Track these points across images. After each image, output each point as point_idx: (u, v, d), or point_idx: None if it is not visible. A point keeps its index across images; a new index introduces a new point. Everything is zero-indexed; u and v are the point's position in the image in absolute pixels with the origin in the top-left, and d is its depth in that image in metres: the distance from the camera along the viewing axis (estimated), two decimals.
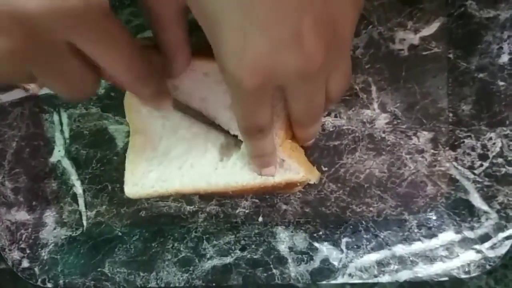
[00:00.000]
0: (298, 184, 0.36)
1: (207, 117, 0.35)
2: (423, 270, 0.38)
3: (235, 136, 0.35)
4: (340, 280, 0.38)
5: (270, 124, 0.29)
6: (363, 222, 0.39)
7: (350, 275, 0.38)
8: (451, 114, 0.37)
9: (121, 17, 0.37)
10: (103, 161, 0.40)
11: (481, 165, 0.37)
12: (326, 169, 0.39)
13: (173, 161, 0.36)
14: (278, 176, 0.36)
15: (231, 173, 0.36)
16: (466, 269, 0.37)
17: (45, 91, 0.39)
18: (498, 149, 0.36)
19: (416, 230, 0.39)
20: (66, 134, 0.40)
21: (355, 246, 0.39)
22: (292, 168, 0.35)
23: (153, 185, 0.36)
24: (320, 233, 0.39)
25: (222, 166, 0.36)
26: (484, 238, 0.37)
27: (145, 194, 0.36)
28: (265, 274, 0.39)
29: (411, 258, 0.38)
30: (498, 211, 0.37)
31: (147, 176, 0.36)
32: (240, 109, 0.28)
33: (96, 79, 0.27)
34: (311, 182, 0.37)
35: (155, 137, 0.36)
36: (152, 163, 0.36)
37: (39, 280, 0.40)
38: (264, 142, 0.31)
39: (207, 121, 0.35)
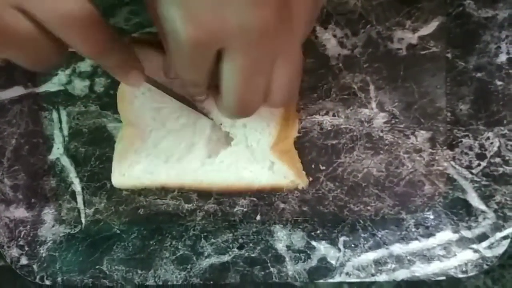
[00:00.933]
0: (284, 189, 0.36)
1: (178, 94, 0.35)
2: (421, 270, 0.38)
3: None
4: (337, 279, 0.38)
5: (204, 84, 0.28)
6: (361, 221, 0.39)
7: (347, 274, 0.38)
8: (449, 114, 0.37)
9: (120, 15, 0.37)
10: (102, 158, 0.40)
11: (479, 165, 0.37)
12: (324, 168, 0.39)
13: (161, 154, 0.36)
14: (265, 179, 0.36)
15: (217, 171, 0.36)
16: (464, 269, 0.37)
17: (44, 88, 0.39)
18: (495, 148, 0.36)
19: (413, 229, 0.39)
20: (65, 132, 0.40)
21: (352, 245, 0.39)
22: (281, 172, 0.36)
23: (140, 176, 0.36)
24: (318, 231, 0.39)
25: (209, 163, 0.36)
26: (482, 237, 0.37)
27: (131, 185, 0.37)
28: (262, 273, 0.39)
29: (408, 257, 0.38)
30: (495, 211, 0.37)
31: (134, 168, 0.36)
32: (177, 63, 0.26)
33: (57, 48, 0.25)
34: (299, 187, 0.37)
35: (145, 129, 0.36)
36: (140, 155, 0.36)
37: (38, 277, 0.40)
38: (194, 91, 0.31)
39: (179, 98, 0.35)
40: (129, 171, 0.37)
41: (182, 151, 0.36)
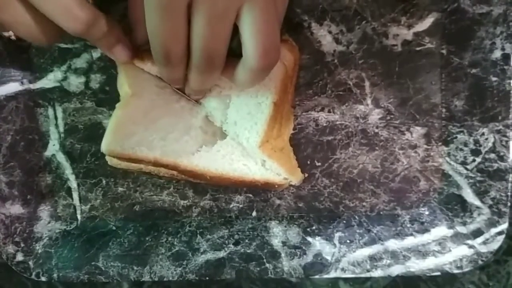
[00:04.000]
0: (276, 186, 0.36)
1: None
2: (416, 265, 0.38)
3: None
4: (332, 274, 0.38)
5: (180, 52, 0.29)
6: (356, 217, 0.39)
7: (342, 269, 0.38)
8: (444, 110, 0.37)
9: (116, 12, 0.37)
10: (98, 155, 0.40)
11: (474, 161, 0.37)
12: (319, 164, 0.39)
13: (159, 131, 0.36)
14: (258, 174, 0.36)
15: (213, 159, 0.36)
16: (459, 264, 0.38)
17: (39, 85, 0.39)
18: (490, 144, 0.37)
19: (408, 225, 0.39)
20: (61, 128, 0.40)
21: (348, 241, 0.39)
22: (273, 169, 0.36)
23: (134, 147, 0.35)
24: (313, 227, 0.39)
25: (206, 149, 0.36)
26: (477, 233, 0.38)
27: (122, 154, 0.35)
28: (258, 268, 0.39)
29: (403, 253, 0.38)
30: (490, 207, 0.37)
31: (130, 138, 0.35)
32: (151, 22, 0.27)
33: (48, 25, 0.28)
34: (293, 184, 0.37)
35: (149, 103, 0.36)
36: (139, 127, 0.35)
37: (33, 273, 0.40)
38: (173, 71, 0.31)
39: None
40: (124, 140, 0.35)
41: (180, 131, 0.36)
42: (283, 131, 0.37)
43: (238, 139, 0.36)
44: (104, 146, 0.35)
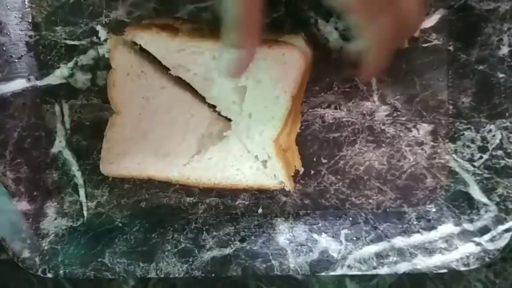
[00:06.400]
0: (270, 189, 0.36)
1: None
2: (422, 262, 0.38)
3: (222, 117, 0.36)
4: (339, 271, 0.38)
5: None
6: (363, 214, 0.39)
7: (349, 266, 0.38)
8: (451, 107, 0.37)
9: (122, 8, 0.37)
10: None
11: (481, 157, 0.37)
12: (325, 161, 0.39)
13: (150, 146, 0.36)
14: (252, 180, 0.36)
15: (204, 168, 0.36)
16: (465, 262, 0.37)
17: (46, 81, 0.39)
18: (497, 141, 0.36)
19: (415, 222, 0.39)
20: (67, 125, 0.40)
21: (354, 238, 0.39)
22: (272, 170, 0.35)
23: (127, 166, 0.36)
24: (320, 225, 0.39)
25: (197, 159, 0.36)
26: (484, 230, 0.37)
27: (118, 174, 0.37)
28: (264, 265, 0.39)
29: (410, 250, 0.38)
30: (497, 204, 0.37)
31: (123, 157, 0.36)
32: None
33: None
34: (287, 189, 0.36)
35: (134, 118, 0.36)
36: (129, 145, 0.36)
37: (40, 270, 0.40)
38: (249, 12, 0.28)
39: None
40: (118, 160, 0.36)
41: (171, 145, 0.36)
42: (291, 130, 0.37)
43: (248, 133, 0.35)
44: (102, 168, 0.37)
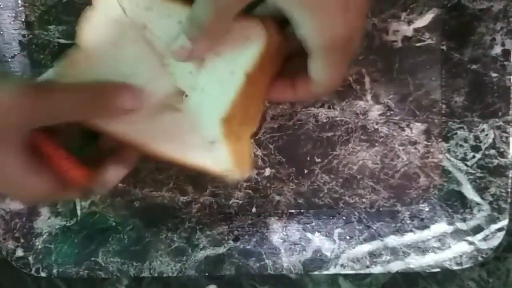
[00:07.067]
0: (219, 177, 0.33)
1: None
2: (415, 261, 0.38)
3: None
4: (332, 270, 0.38)
5: None
6: (356, 213, 0.39)
7: (342, 265, 0.38)
8: (444, 106, 0.37)
9: None
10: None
11: (474, 157, 0.37)
12: (319, 160, 0.39)
13: None
14: (196, 158, 0.33)
15: (152, 132, 0.33)
16: (458, 261, 0.38)
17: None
18: (490, 140, 0.36)
19: (408, 222, 0.39)
20: None
21: (347, 237, 0.39)
22: (218, 155, 0.33)
23: None
24: (313, 224, 0.39)
25: (147, 121, 0.33)
26: (477, 229, 0.38)
27: None
28: (257, 264, 0.39)
29: (403, 249, 0.38)
30: (490, 203, 0.37)
31: None
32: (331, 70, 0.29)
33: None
34: (236, 177, 0.33)
35: (99, 60, 0.33)
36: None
37: (33, 269, 0.40)
38: None
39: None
40: None
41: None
42: (246, 122, 0.34)
43: (199, 108, 0.33)
44: None
